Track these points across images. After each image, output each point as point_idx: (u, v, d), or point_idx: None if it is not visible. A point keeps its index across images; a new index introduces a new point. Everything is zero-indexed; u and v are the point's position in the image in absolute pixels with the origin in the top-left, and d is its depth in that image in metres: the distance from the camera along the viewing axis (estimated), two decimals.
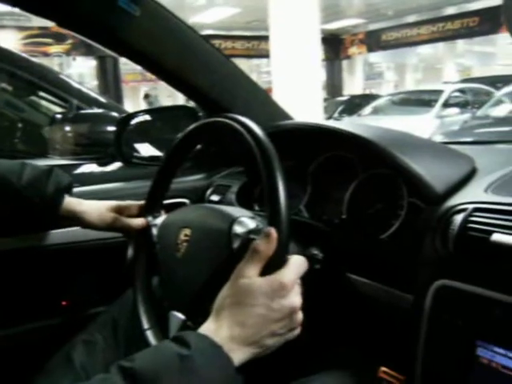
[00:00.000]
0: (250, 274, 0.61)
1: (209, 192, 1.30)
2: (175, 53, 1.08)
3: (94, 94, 2.26)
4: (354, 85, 16.87)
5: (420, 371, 0.73)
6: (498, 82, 9.93)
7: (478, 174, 0.88)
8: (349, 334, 0.94)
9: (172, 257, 0.82)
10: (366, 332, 0.90)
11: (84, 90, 2.20)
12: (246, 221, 0.73)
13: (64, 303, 1.20)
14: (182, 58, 1.10)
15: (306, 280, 0.67)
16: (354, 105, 10.84)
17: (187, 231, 0.80)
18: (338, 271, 0.89)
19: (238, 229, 0.72)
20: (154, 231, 0.91)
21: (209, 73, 1.16)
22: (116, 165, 1.55)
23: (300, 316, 0.63)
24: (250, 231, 0.71)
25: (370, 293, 0.86)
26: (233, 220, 0.73)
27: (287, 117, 1.30)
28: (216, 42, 15.03)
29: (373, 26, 15.41)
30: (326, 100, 12.15)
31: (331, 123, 0.97)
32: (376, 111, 8.97)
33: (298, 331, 0.64)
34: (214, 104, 1.20)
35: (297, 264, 0.64)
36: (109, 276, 1.21)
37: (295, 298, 0.61)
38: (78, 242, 1.17)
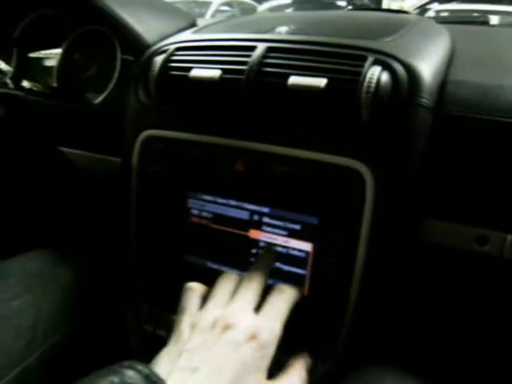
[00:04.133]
0: None
1: None
2: None
3: None
4: None
5: (140, 239, 0.66)
6: None
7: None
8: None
9: None
10: (79, 206, 0.80)
11: None
12: None
13: None
14: None
15: None
16: None
17: None
18: (43, 143, 0.76)
19: None
20: None
21: None
22: None
23: None
24: None
25: (85, 164, 0.75)
26: None
27: None
28: None
29: None
30: None
31: None
32: None
33: None
34: None
35: None
36: None
37: None
38: None
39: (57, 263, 0.67)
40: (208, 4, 8.72)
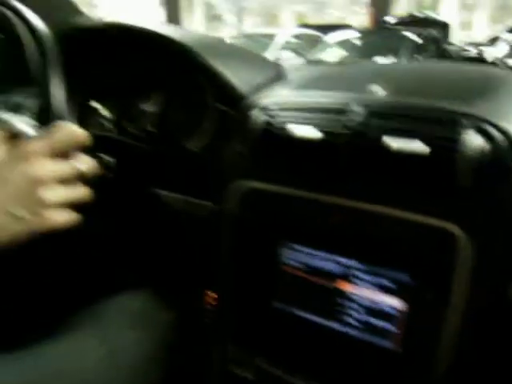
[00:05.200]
0: None
1: None
2: None
3: None
4: (193, 25, 16.52)
5: (230, 283, 0.70)
6: (329, 30, 10.51)
7: (286, 79, 0.86)
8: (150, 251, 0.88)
9: None
10: (169, 247, 0.84)
11: None
12: (11, 120, 0.60)
13: None
14: None
15: (96, 187, 0.58)
16: None
17: None
18: (140, 185, 0.81)
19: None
20: None
21: None
22: None
23: (49, 197, 0.49)
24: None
25: (177, 206, 0.80)
26: None
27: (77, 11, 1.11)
28: None
29: None
30: None
31: (139, 23, 0.86)
32: None
33: (47, 222, 0.50)
34: None
35: (55, 133, 0.50)
36: None
37: (39, 168, 0.49)
38: None
39: (156, 303, 0.71)
40: (276, 36, 8.93)
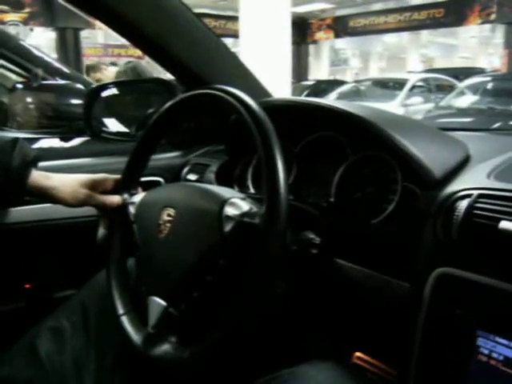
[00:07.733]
0: None
1: (185, 171, 1.23)
2: (156, 19, 1.00)
3: (57, 64, 2.13)
4: (319, 70, 16.89)
5: (415, 365, 0.70)
6: (459, 73, 10.18)
7: (473, 160, 0.85)
8: (337, 323, 0.90)
9: (153, 238, 0.76)
10: (355, 321, 0.86)
11: (47, 58, 2.07)
12: (238, 202, 0.67)
13: (27, 286, 1.12)
14: (163, 25, 1.02)
15: (303, 266, 0.62)
16: (320, 90, 10.83)
17: (171, 211, 0.74)
18: (327, 256, 0.85)
19: (230, 211, 0.66)
20: (131, 209, 0.85)
21: (190, 43, 1.09)
22: (77, 141, 1.46)
23: None
24: (244, 214, 0.66)
25: (360, 279, 0.82)
26: (224, 201, 0.68)
27: (268, 95, 1.25)
28: None
29: (341, 12, 15.37)
30: (291, 84, 12.12)
31: (324, 101, 0.92)
32: (341, 97, 9.01)
33: None
34: (192, 77, 1.13)
35: None
36: (76, 257, 1.14)
37: None
38: (43, 221, 1.09)
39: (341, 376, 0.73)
40: (405, 81, 8.84)
